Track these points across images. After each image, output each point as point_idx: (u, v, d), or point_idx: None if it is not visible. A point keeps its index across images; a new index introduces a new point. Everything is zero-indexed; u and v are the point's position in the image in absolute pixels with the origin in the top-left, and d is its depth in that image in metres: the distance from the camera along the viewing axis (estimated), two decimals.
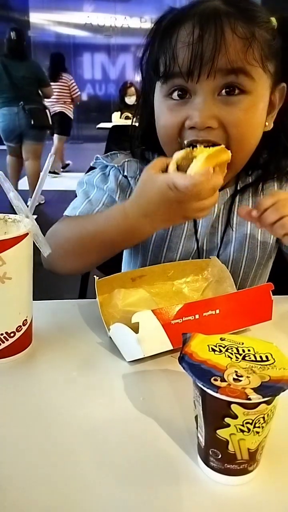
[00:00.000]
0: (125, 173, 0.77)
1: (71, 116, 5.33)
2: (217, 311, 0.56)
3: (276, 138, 0.72)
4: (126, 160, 0.77)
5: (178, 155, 0.59)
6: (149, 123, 0.72)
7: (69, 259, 0.72)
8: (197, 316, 0.55)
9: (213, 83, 0.61)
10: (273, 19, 0.65)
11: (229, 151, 0.59)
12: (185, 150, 0.59)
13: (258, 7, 0.64)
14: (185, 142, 0.64)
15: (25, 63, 3.63)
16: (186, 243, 0.77)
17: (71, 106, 5.29)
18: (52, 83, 4.17)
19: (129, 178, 0.77)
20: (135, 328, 0.53)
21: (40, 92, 3.76)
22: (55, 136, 5.26)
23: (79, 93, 5.33)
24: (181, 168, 0.57)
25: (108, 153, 0.82)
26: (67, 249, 0.70)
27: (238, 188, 0.77)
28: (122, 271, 0.89)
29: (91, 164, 0.82)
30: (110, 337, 0.58)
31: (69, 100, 5.22)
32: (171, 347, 0.54)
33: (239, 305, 0.59)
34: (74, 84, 5.25)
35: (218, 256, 0.76)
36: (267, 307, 0.60)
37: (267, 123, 0.69)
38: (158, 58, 0.64)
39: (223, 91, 0.62)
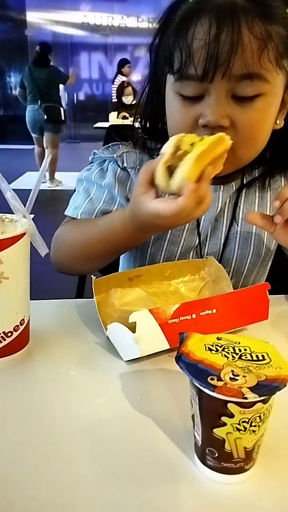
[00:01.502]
0: (124, 164, 0.76)
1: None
2: (214, 311, 0.57)
3: (284, 134, 0.72)
4: (125, 151, 0.77)
5: (168, 151, 0.55)
6: (156, 110, 0.72)
7: (78, 263, 0.75)
8: (194, 316, 0.55)
9: (227, 84, 0.60)
10: None
11: (228, 137, 0.56)
12: (174, 143, 0.56)
13: (276, 1, 0.62)
14: None
15: (46, 69, 4.74)
16: (188, 237, 0.77)
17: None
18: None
19: (129, 169, 0.77)
20: (132, 328, 0.53)
21: (60, 89, 4.91)
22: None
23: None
24: (172, 168, 0.55)
25: (109, 144, 0.81)
26: (75, 255, 0.74)
27: (244, 182, 0.77)
28: (120, 264, 0.89)
29: (90, 159, 0.81)
30: (107, 337, 0.58)
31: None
32: (168, 347, 0.54)
33: (236, 305, 0.59)
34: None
35: (222, 252, 0.76)
36: (263, 306, 0.61)
37: (277, 121, 0.69)
38: (173, 51, 0.62)
39: (237, 94, 0.61)
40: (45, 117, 4.69)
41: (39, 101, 4.65)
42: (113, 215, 0.69)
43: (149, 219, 0.57)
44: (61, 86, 5.03)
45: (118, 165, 0.77)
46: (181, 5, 0.64)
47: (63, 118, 4.92)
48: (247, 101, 0.62)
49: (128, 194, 0.75)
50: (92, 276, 0.62)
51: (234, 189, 0.76)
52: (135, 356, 0.53)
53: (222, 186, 0.76)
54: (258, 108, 0.62)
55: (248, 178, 0.77)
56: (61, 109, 4.88)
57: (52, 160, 4.92)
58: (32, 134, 4.93)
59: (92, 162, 0.81)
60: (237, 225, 0.76)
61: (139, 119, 0.78)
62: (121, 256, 0.87)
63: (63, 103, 5.39)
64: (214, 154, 0.54)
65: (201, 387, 0.36)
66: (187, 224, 0.76)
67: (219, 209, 0.76)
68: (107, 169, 0.78)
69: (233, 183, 0.76)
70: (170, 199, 0.54)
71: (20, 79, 4.84)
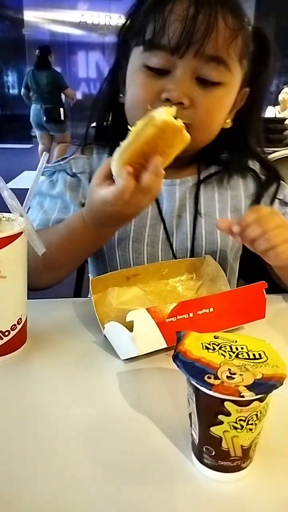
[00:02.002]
0: (73, 170, 0.77)
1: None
2: (211, 310, 0.57)
3: (238, 137, 0.76)
4: (72, 157, 0.78)
5: (122, 147, 0.54)
6: (116, 101, 0.74)
7: (41, 275, 0.69)
8: (191, 315, 0.55)
9: (195, 63, 0.63)
10: (250, 28, 0.68)
11: (160, 117, 0.51)
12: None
13: (244, 10, 0.67)
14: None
15: (47, 71, 5.07)
16: (150, 232, 0.77)
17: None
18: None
19: (79, 175, 0.77)
20: (130, 327, 0.53)
21: (62, 94, 5.20)
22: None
23: None
24: None
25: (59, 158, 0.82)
26: (37, 266, 0.62)
27: (201, 178, 0.79)
28: (89, 271, 0.89)
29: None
30: (105, 336, 0.58)
31: None
32: (165, 345, 0.54)
33: (233, 304, 0.60)
34: None
35: (192, 248, 0.77)
36: (260, 305, 0.61)
37: (227, 120, 0.72)
38: (146, 24, 0.64)
39: (201, 75, 0.64)
40: (45, 118, 5.04)
41: (40, 102, 5.06)
42: (71, 216, 0.69)
43: (99, 207, 0.58)
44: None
45: (67, 173, 0.77)
46: None
47: (62, 118, 5.13)
48: (210, 86, 0.65)
49: (81, 199, 0.76)
50: (89, 275, 0.62)
51: (191, 184, 0.78)
52: (132, 355, 0.53)
53: (178, 181, 0.78)
54: (218, 95, 0.66)
55: (205, 174, 0.79)
56: (61, 109, 5.11)
57: (59, 156, 5.21)
58: (36, 132, 5.32)
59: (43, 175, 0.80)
60: (201, 218, 0.77)
61: (97, 114, 0.78)
62: (90, 265, 0.87)
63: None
64: (144, 138, 0.51)
65: (198, 386, 0.36)
66: (148, 220, 0.76)
67: (177, 202, 0.77)
68: (57, 179, 0.78)
69: (189, 177, 0.78)
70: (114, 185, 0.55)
71: (24, 81, 5.17)
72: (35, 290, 0.69)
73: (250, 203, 0.80)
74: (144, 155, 0.53)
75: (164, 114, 0.51)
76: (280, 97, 5.38)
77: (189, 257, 0.77)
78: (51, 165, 0.79)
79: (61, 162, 0.78)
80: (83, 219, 0.63)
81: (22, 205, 0.55)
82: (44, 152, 0.57)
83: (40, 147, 5.31)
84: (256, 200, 0.80)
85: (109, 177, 0.57)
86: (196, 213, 0.77)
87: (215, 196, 0.79)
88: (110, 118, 0.78)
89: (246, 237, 0.62)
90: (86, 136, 0.81)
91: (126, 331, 0.53)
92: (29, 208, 0.67)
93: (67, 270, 0.72)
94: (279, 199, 0.81)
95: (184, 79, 0.64)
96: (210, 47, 0.62)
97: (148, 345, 0.54)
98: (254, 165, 0.82)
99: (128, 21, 0.70)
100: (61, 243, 0.66)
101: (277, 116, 4.66)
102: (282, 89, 5.54)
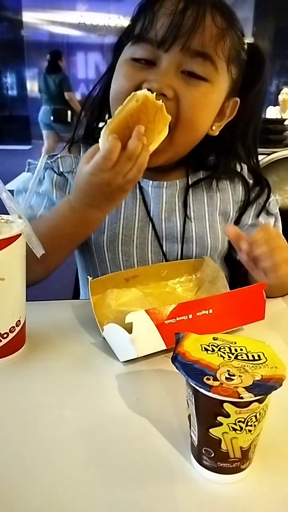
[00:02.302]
0: (61, 169, 0.77)
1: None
2: (210, 311, 0.57)
3: (226, 145, 0.77)
4: (60, 156, 0.77)
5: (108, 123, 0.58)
6: (104, 100, 0.75)
7: (28, 268, 0.66)
8: (190, 316, 0.55)
9: (181, 57, 0.64)
10: (242, 37, 0.70)
11: (141, 92, 0.57)
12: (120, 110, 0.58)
13: (238, 20, 0.68)
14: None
15: (56, 75, 5.41)
16: (139, 235, 0.76)
17: None
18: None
19: (66, 174, 0.77)
20: (129, 328, 0.53)
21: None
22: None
23: None
24: None
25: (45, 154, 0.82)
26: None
27: (190, 182, 0.79)
28: (79, 276, 0.89)
29: (25, 171, 0.80)
30: (104, 338, 0.58)
31: None
32: (164, 347, 0.54)
33: (232, 305, 0.59)
34: None
35: (181, 251, 0.77)
36: (260, 306, 0.61)
37: (213, 128, 0.73)
38: (136, 20, 0.67)
39: (187, 71, 0.65)
40: (52, 118, 5.35)
41: (49, 103, 5.43)
42: (59, 204, 0.69)
43: (87, 179, 0.59)
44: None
45: (54, 171, 0.77)
46: None
47: (69, 119, 5.36)
48: (194, 80, 0.65)
49: None
50: (88, 277, 0.62)
51: (179, 187, 0.78)
52: (131, 357, 0.53)
53: (165, 183, 0.78)
54: (203, 91, 0.66)
55: (193, 178, 0.79)
56: (69, 111, 5.35)
57: None
58: (43, 131, 5.60)
59: (29, 171, 0.80)
60: (191, 221, 0.77)
61: (88, 112, 0.79)
62: (79, 269, 0.86)
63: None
64: (128, 110, 0.56)
65: (197, 387, 0.36)
66: (136, 222, 0.76)
67: (165, 205, 0.77)
68: (43, 176, 0.77)
69: (177, 181, 0.78)
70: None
71: (38, 85, 5.78)
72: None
73: (237, 209, 0.81)
74: (129, 128, 0.56)
75: (145, 91, 0.57)
76: (280, 97, 5.38)
77: (180, 259, 0.77)
78: (34, 162, 0.78)
79: (49, 161, 0.77)
80: (69, 203, 0.64)
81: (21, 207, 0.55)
82: (43, 154, 0.57)
83: (44, 146, 5.49)
84: (244, 206, 0.81)
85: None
86: (186, 216, 0.77)
87: (205, 200, 0.79)
88: (100, 118, 0.79)
89: (251, 253, 0.62)
90: (74, 134, 0.81)
91: (125, 333, 0.53)
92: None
93: (55, 260, 0.70)
94: (263, 207, 0.82)
95: (168, 71, 0.64)
96: (197, 42, 0.63)
97: (147, 347, 0.53)
98: (242, 168, 0.82)
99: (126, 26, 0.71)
100: (47, 230, 0.65)
101: (277, 117, 4.67)
102: (282, 89, 5.55)
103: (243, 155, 0.79)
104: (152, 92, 0.61)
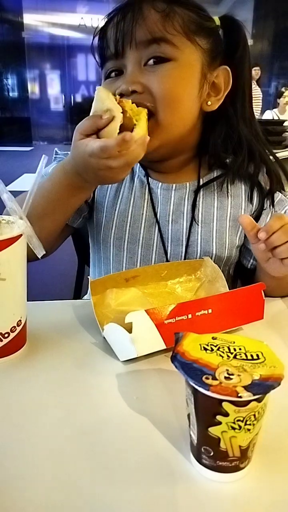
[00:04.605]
0: None
1: None
2: (210, 311, 0.57)
3: (231, 122, 0.76)
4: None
5: (118, 115, 0.61)
6: None
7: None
8: (190, 316, 0.56)
9: (137, 54, 0.68)
10: (216, 18, 0.72)
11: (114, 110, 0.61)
12: (109, 99, 0.62)
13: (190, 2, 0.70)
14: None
15: None
16: (145, 234, 0.77)
17: None
18: None
19: None
20: (129, 328, 0.53)
21: None
22: None
23: None
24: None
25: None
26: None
27: (201, 183, 0.78)
28: (90, 272, 0.89)
29: (53, 158, 0.82)
30: (104, 337, 0.58)
31: None
32: (164, 347, 0.54)
33: (231, 305, 0.60)
34: None
35: (185, 253, 0.77)
36: (259, 306, 0.61)
37: (209, 103, 0.73)
38: (99, 47, 0.72)
39: (150, 61, 0.67)
40: None
41: None
42: (55, 168, 0.71)
43: (85, 157, 0.60)
44: None
45: None
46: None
47: None
48: (158, 65, 0.67)
49: None
50: (89, 277, 0.63)
51: (188, 190, 0.78)
52: (131, 356, 0.54)
53: (175, 185, 0.77)
54: (171, 73, 0.68)
55: (205, 179, 0.78)
56: None
57: None
58: None
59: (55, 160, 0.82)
60: (198, 225, 0.77)
61: None
62: (91, 264, 0.88)
63: (60, 105, 5.64)
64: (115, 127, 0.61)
65: (196, 386, 0.36)
66: (143, 222, 0.77)
67: (172, 207, 0.77)
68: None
69: (187, 184, 0.78)
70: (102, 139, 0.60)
71: None
72: None
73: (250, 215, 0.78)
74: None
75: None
76: (284, 100, 5.41)
77: None
78: (62, 152, 0.81)
79: (60, 154, 0.80)
80: (63, 167, 0.67)
81: (21, 208, 0.55)
82: (43, 155, 0.57)
83: None
84: (258, 213, 0.78)
85: (89, 136, 0.61)
86: (193, 219, 0.77)
87: (215, 203, 0.78)
88: None
89: (271, 243, 0.61)
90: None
91: (125, 332, 0.53)
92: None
93: (48, 228, 0.70)
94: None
95: (132, 71, 0.68)
96: (141, 33, 0.66)
97: (147, 347, 0.54)
98: (260, 171, 0.79)
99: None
100: (42, 192, 0.66)
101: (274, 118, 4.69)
102: (283, 92, 5.57)
103: (246, 132, 0.76)
104: (122, 96, 0.66)
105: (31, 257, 0.57)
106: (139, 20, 0.66)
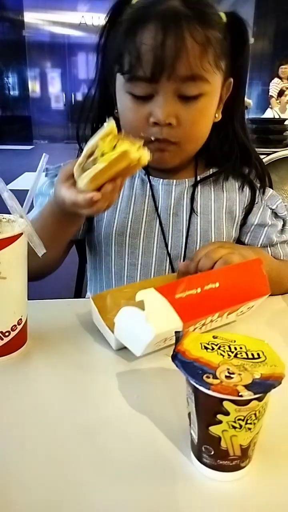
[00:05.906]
0: None
1: None
2: (217, 284, 0.56)
3: (227, 128, 0.79)
4: (63, 163, 0.79)
5: (83, 154, 0.58)
6: (105, 105, 0.77)
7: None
8: (199, 290, 0.55)
9: (173, 85, 0.67)
10: (223, 15, 0.70)
11: (134, 151, 0.56)
12: (92, 145, 0.57)
13: (211, 7, 0.69)
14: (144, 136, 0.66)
15: None
16: (147, 228, 0.80)
17: None
18: None
19: None
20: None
21: None
22: None
23: None
24: (85, 167, 0.58)
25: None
26: None
27: (198, 179, 0.82)
28: (88, 287, 0.91)
29: (45, 175, 0.84)
30: (105, 337, 0.58)
31: None
32: (181, 323, 0.52)
33: (237, 278, 0.59)
34: None
35: (186, 244, 0.79)
36: (262, 280, 0.60)
37: (216, 115, 0.76)
38: (123, 54, 0.68)
39: (182, 95, 0.67)
40: None
41: None
42: (44, 204, 0.73)
43: (60, 201, 0.63)
44: None
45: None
46: (127, 7, 0.70)
47: None
48: (191, 100, 0.68)
49: None
50: (88, 294, 0.62)
51: (187, 185, 0.81)
52: (149, 340, 0.50)
53: (175, 181, 0.81)
54: (200, 107, 0.70)
55: (202, 175, 0.82)
56: None
57: None
58: None
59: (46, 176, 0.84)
60: (196, 215, 0.80)
61: (85, 119, 0.81)
62: (88, 261, 0.89)
63: (61, 104, 5.56)
64: (115, 169, 0.56)
65: (197, 385, 0.36)
66: (144, 217, 0.79)
67: (173, 200, 0.80)
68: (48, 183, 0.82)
69: (186, 180, 0.81)
70: (75, 190, 0.60)
71: None
72: None
73: (243, 209, 0.83)
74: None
75: (135, 151, 0.56)
76: (284, 99, 5.40)
77: (183, 253, 0.79)
78: (53, 167, 0.82)
79: (62, 164, 0.80)
80: (51, 206, 0.69)
81: (22, 207, 0.55)
82: (44, 154, 0.57)
83: None
84: (250, 207, 0.83)
85: (72, 176, 0.60)
86: (192, 210, 0.80)
87: (212, 196, 0.82)
88: (100, 120, 0.80)
89: (201, 269, 0.64)
90: (78, 139, 0.82)
91: (139, 311, 0.51)
92: (31, 209, 0.68)
93: (47, 257, 0.69)
94: (271, 208, 0.83)
95: (167, 100, 0.68)
96: (183, 68, 0.65)
97: (163, 324, 0.51)
98: (251, 172, 0.84)
99: (103, 40, 0.73)
100: (34, 228, 0.67)
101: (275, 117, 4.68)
102: (283, 90, 5.55)
103: (241, 134, 0.80)
104: (157, 124, 0.68)
105: (33, 275, 0.59)
106: (181, 54, 0.64)
